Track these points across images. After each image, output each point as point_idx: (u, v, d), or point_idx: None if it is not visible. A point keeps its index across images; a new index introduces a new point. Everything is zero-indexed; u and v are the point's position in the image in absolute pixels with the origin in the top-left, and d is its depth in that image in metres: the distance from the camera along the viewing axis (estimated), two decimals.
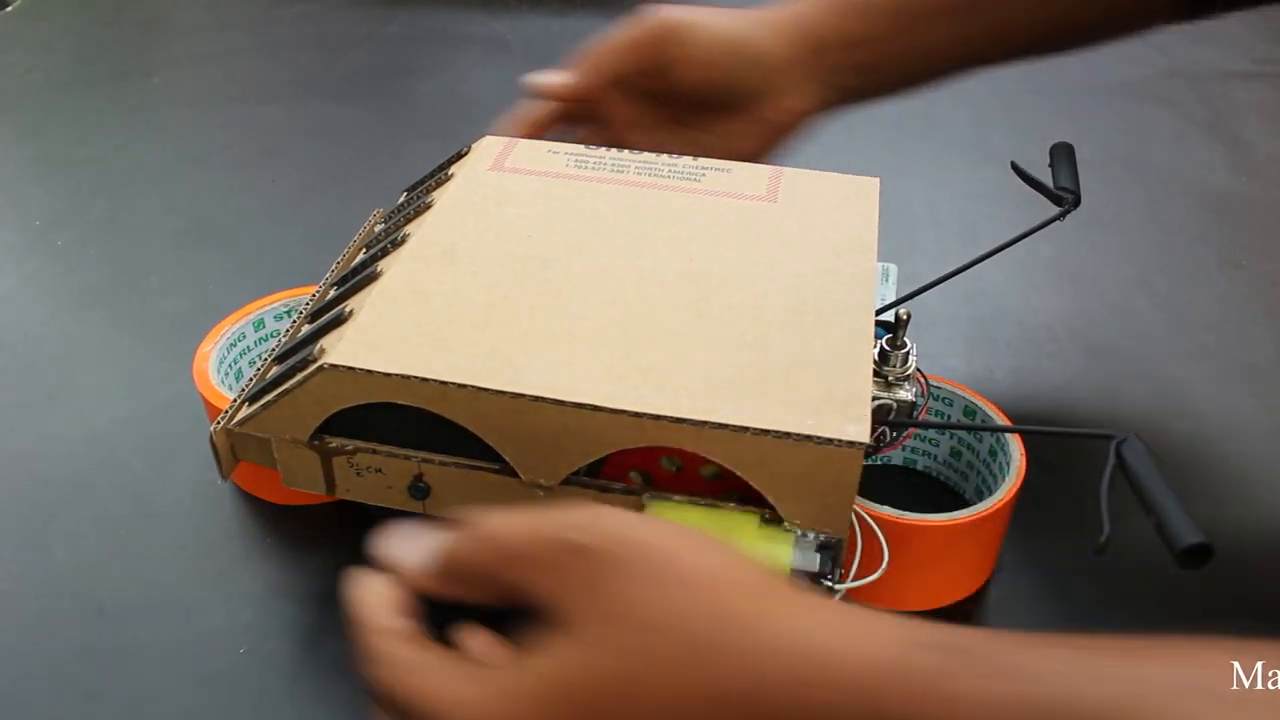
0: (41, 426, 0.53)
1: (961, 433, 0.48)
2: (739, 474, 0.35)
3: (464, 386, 0.35)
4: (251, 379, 0.42)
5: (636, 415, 0.34)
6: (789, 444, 0.34)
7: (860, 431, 0.34)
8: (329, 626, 0.43)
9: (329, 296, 0.44)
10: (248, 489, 0.49)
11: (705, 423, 0.34)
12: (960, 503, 0.48)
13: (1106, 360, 0.59)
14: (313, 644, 0.42)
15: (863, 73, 0.50)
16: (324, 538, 0.47)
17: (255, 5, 1.08)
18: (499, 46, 1.00)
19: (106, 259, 0.67)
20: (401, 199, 0.50)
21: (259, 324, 0.51)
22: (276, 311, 0.52)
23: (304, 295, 0.52)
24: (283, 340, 0.44)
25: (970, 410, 0.48)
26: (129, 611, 0.43)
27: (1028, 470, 0.44)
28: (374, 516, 0.48)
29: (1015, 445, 0.45)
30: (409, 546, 0.33)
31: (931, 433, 0.50)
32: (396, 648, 0.30)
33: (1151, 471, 0.34)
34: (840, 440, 0.33)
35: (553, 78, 0.50)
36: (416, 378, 0.36)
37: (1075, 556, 0.47)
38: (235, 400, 0.41)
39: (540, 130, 0.52)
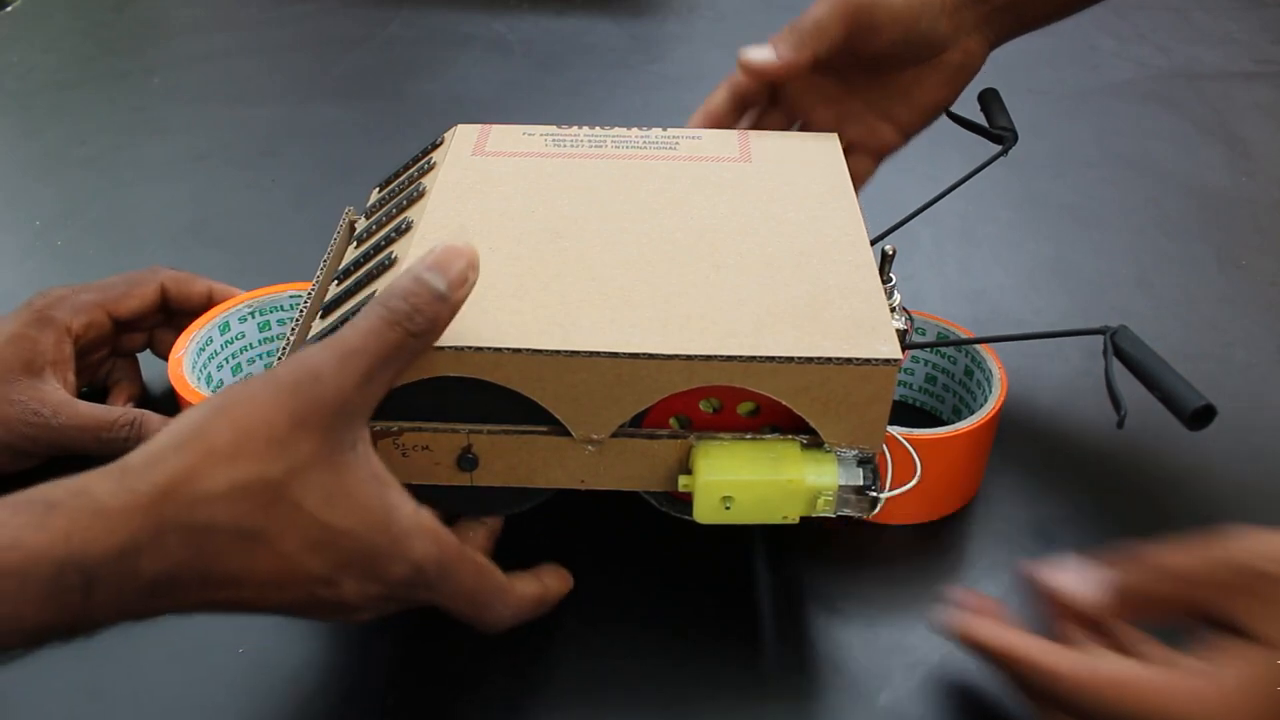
0: None
1: (936, 357, 0.52)
2: (784, 402, 0.38)
3: (519, 351, 0.37)
4: None
5: (688, 358, 0.37)
6: (831, 368, 0.37)
7: (893, 350, 0.37)
8: (327, 626, 0.43)
9: (340, 289, 0.44)
10: None
11: (753, 358, 0.37)
12: (939, 423, 0.50)
13: (1101, 359, 0.59)
14: (310, 643, 0.42)
15: (1015, 7, 0.52)
16: None
17: (255, 5, 1.08)
18: (499, 46, 1.00)
19: (106, 259, 0.67)
20: (373, 196, 0.50)
21: (224, 327, 0.52)
22: (240, 314, 0.52)
23: (267, 295, 0.52)
24: (291, 339, 0.44)
25: (943, 334, 0.51)
26: None
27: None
28: None
29: (991, 360, 0.49)
30: (1077, 579, 0.37)
31: (906, 360, 0.53)
32: (1094, 659, 0.35)
33: (1148, 353, 0.37)
34: (876, 359, 0.37)
35: (763, 53, 0.50)
36: (470, 348, 0.37)
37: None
38: None
39: (720, 120, 0.52)
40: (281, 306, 0.53)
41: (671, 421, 0.40)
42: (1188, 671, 0.33)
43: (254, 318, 0.52)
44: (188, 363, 0.49)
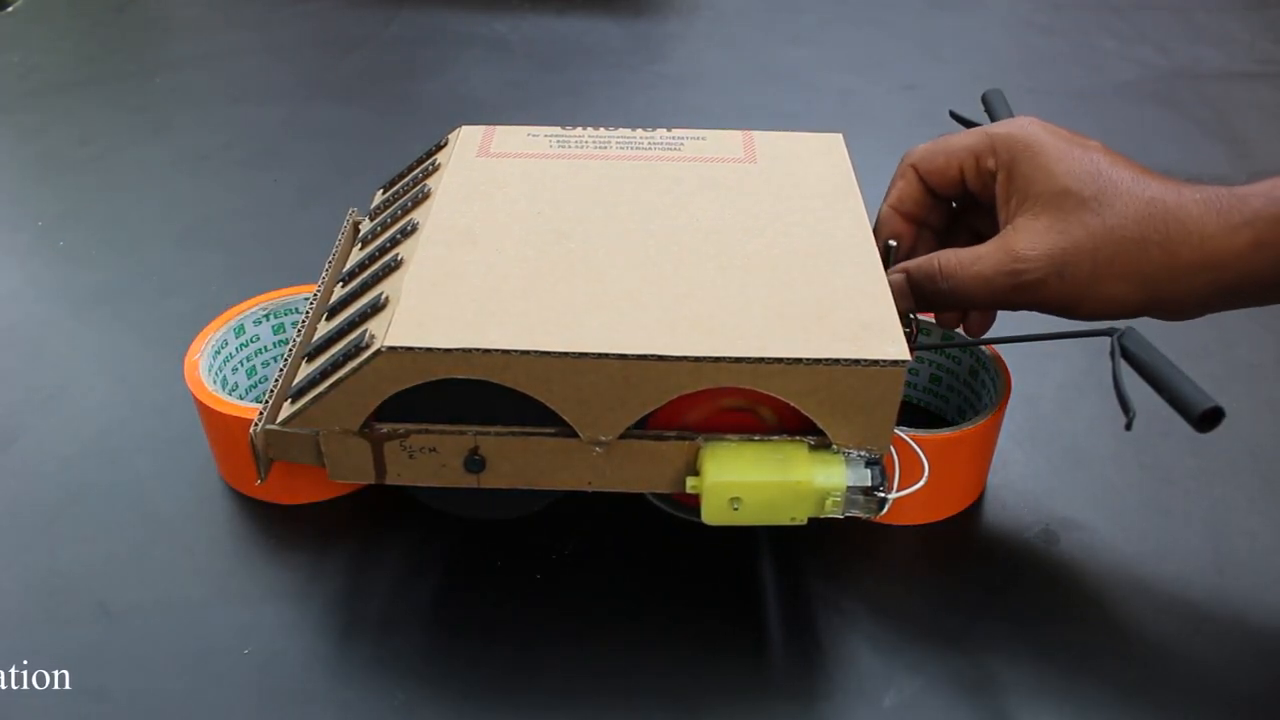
0: (43, 427, 0.53)
1: (941, 358, 0.52)
2: (792, 403, 0.38)
3: (527, 353, 0.37)
4: (277, 380, 0.42)
5: (697, 360, 0.37)
6: (838, 369, 0.37)
7: (901, 350, 0.37)
8: (333, 627, 0.43)
9: (346, 290, 0.44)
10: (244, 491, 0.49)
11: (760, 359, 0.37)
12: (944, 424, 0.51)
13: (1107, 360, 0.59)
14: (316, 644, 0.42)
15: None
16: (325, 539, 0.47)
17: (256, 5, 1.08)
18: (499, 46, 1.00)
19: (108, 259, 0.67)
20: (378, 198, 0.50)
21: (239, 330, 0.51)
22: (255, 317, 0.52)
23: (282, 298, 0.52)
24: (297, 341, 0.44)
25: (948, 335, 0.52)
26: (132, 612, 0.43)
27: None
28: (371, 523, 0.48)
29: (996, 361, 0.49)
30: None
31: (911, 361, 0.53)
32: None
33: (1154, 355, 0.37)
34: (885, 360, 0.37)
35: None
36: (478, 350, 0.37)
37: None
38: (267, 401, 0.41)
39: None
40: (296, 309, 0.53)
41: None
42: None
43: (268, 320, 0.52)
44: (203, 365, 0.49)
